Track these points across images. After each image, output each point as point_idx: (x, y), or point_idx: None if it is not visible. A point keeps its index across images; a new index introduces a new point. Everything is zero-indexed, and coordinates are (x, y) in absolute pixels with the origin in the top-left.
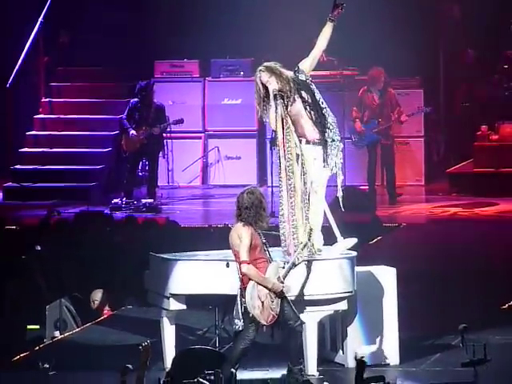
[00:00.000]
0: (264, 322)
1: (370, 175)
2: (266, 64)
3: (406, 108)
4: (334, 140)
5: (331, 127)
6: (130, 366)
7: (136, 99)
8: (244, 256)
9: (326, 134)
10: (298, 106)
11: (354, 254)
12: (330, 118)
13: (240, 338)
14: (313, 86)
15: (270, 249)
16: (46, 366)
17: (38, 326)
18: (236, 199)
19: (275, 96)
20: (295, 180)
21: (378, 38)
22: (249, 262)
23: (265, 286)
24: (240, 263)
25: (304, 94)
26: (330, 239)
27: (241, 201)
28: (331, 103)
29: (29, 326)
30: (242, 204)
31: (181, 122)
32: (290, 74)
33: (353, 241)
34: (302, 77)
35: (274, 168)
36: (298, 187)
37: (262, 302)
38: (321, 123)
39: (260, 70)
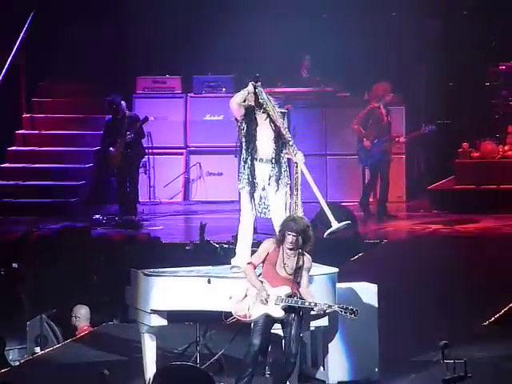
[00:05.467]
0: (233, 311)
1: (368, 192)
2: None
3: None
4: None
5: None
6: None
7: (110, 116)
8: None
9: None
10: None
11: (336, 270)
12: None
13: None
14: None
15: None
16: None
17: None
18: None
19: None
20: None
21: (359, 54)
22: (250, 263)
23: (273, 280)
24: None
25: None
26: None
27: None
28: (312, 120)
29: None
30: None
31: (146, 120)
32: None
33: (346, 223)
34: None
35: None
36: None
37: (245, 296)
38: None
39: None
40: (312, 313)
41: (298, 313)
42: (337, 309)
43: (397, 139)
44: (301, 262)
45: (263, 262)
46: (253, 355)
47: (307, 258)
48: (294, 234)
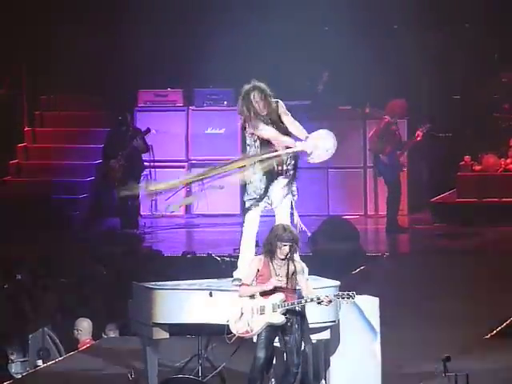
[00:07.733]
0: (234, 332)
1: (397, 204)
2: (260, 86)
3: None
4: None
5: None
6: None
7: (113, 128)
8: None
9: None
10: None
11: (337, 283)
12: None
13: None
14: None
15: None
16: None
17: None
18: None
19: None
20: None
21: (360, 67)
22: (243, 285)
23: (265, 290)
24: None
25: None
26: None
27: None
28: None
29: None
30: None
31: (148, 131)
32: (273, 104)
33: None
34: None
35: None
36: None
37: (241, 314)
38: None
39: (254, 88)
40: (311, 307)
41: (298, 317)
42: (333, 298)
43: (414, 138)
44: (292, 268)
45: (256, 279)
46: (259, 369)
47: (297, 261)
48: (289, 243)
